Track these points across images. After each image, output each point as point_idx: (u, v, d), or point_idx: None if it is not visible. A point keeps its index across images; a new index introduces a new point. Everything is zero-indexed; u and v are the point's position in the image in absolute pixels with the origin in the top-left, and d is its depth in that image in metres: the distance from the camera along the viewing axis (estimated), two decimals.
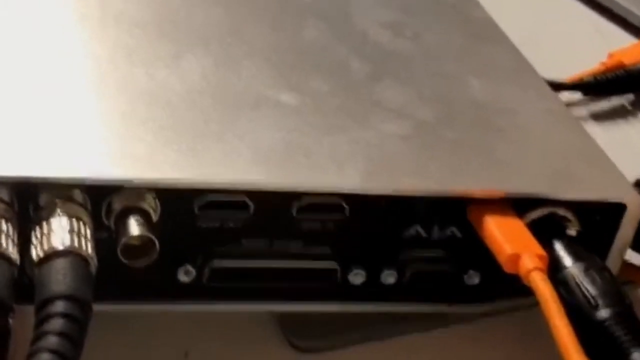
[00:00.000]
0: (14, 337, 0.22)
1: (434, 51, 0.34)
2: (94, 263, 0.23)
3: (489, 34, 0.37)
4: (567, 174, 0.29)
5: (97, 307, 0.23)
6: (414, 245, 0.28)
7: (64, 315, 0.21)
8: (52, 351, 0.20)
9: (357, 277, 0.28)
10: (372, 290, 0.29)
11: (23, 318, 0.23)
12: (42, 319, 0.21)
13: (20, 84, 0.27)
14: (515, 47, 0.36)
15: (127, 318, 0.28)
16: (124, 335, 0.28)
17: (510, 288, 0.28)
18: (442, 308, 0.29)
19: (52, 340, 0.21)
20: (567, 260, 0.27)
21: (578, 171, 0.30)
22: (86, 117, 0.27)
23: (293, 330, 0.30)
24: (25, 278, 0.24)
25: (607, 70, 0.41)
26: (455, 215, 0.28)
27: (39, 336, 0.21)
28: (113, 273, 0.25)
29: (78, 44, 0.30)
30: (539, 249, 0.27)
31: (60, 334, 0.21)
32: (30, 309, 0.23)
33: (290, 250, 0.27)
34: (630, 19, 0.45)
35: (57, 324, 0.21)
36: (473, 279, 0.29)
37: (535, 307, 0.26)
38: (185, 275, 0.27)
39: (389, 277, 0.29)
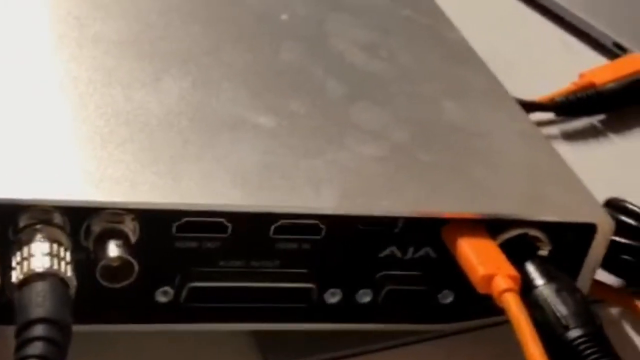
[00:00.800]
0: None
1: (409, 72, 0.35)
2: (73, 286, 0.24)
3: (463, 55, 0.37)
4: (539, 195, 0.30)
5: (75, 328, 0.23)
6: (389, 265, 0.29)
7: (44, 339, 0.21)
8: None
9: (333, 297, 0.29)
10: (348, 309, 0.29)
11: (3, 338, 0.23)
12: (22, 342, 0.22)
13: None
14: (488, 68, 0.37)
15: (104, 338, 0.28)
16: (103, 354, 0.28)
17: (483, 306, 0.28)
18: (417, 326, 0.30)
19: None
20: (538, 280, 0.28)
21: (549, 192, 0.30)
22: (65, 139, 0.27)
23: (269, 347, 0.30)
24: (5, 299, 0.24)
25: (578, 90, 0.42)
26: (429, 235, 0.29)
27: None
28: (91, 294, 0.25)
29: (56, 65, 0.30)
30: (511, 270, 0.27)
31: (40, 357, 0.21)
32: (8, 330, 0.23)
33: (267, 270, 0.28)
34: (602, 40, 0.46)
35: (37, 347, 0.21)
36: (447, 298, 0.30)
37: (506, 323, 0.27)
38: (163, 295, 0.27)
39: (364, 297, 0.29)
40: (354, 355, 0.30)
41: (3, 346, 0.24)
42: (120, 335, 0.29)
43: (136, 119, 0.28)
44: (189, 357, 0.29)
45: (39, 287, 0.23)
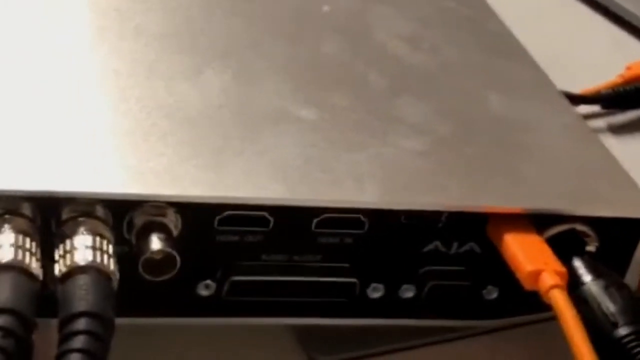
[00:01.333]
0: (36, 350, 0.22)
1: (452, 65, 0.34)
2: (115, 279, 0.23)
3: (506, 46, 0.37)
4: (586, 190, 0.29)
5: (118, 322, 0.23)
6: (433, 260, 0.28)
7: (87, 333, 0.21)
8: None
9: (375, 292, 0.28)
10: (391, 305, 0.29)
11: (44, 331, 0.23)
12: (65, 336, 0.22)
13: (42, 100, 0.28)
14: (533, 60, 0.36)
15: (146, 331, 0.28)
16: (143, 347, 0.28)
17: (528, 302, 0.28)
18: (460, 322, 0.30)
19: (75, 358, 0.21)
20: (586, 276, 0.27)
21: (597, 187, 0.30)
22: (106, 132, 0.27)
23: (311, 343, 0.30)
24: (48, 291, 0.24)
25: (625, 83, 0.41)
26: (474, 230, 0.28)
27: (62, 353, 0.21)
28: (133, 287, 0.25)
29: (97, 58, 0.30)
30: (558, 266, 0.27)
31: (83, 351, 0.21)
32: (50, 322, 0.23)
33: (309, 264, 0.28)
34: None
35: (80, 341, 0.21)
36: (492, 294, 0.29)
37: (552, 320, 0.26)
38: (205, 289, 0.27)
39: (407, 292, 0.29)
40: (396, 351, 0.30)
41: (47, 339, 0.24)
42: (162, 329, 0.28)
43: (177, 112, 0.28)
44: (232, 352, 0.29)
45: (82, 280, 0.23)
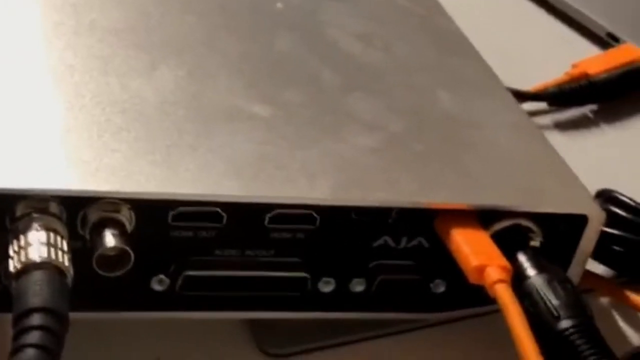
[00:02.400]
0: None
1: (403, 63, 0.35)
2: (70, 275, 0.24)
3: (457, 45, 0.37)
4: (531, 186, 0.30)
5: (72, 316, 0.23)
6: (382, 255, 0.29)
7: (41, 328, 0.22)
8: None
9: (326, 286, 0.29)
10: (342, 298, 0.29)
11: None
12: (20, 331, 0.22)
13: None
14: (482, 58, 0.37)
15: (99, 325, 0.29)
16: (97, 341, 0.29)
17: (475, 296, 0.29)
18: (409, 315, 0.30)
19: (30, 353, 0.21)
20: (530, 271, 0.28)
21: (541, 183, 0.30)
22: (61, 127, 0.27)
23: (263, 336, 0.30)
24: (1, 286, 0.24)
25: (571, 80, 0.42)
26: (422, 226, 0.29)
27: (17, 349, 0.21)
28: (87, 282, 0.25)
29: (53, 53, 0.30)
30: (503, 261, 0.28)
31: (38, 346, 0.21)
32: (5, 317, 0.23)
33: (262, 259, 0.28)
34: (595, 30, 0.46)
35: (34, 336, 0.21)
36: (439, 287, 0.30)
37: (498, 312, 0.27)
38: (159, 284, 0.27)
39: (357, 286, 0.29)
40: (346, 343, 0.31)
41: (1, 333, 0.24)
42: (116, 324, 0.29)
43: (132, 108, 0.28)
44: (186, 346, 0.30)
45: (37, 276, 0.23)
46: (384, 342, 0.31)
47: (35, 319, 0.22)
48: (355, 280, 0.29)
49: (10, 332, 0.22)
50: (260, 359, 0.30)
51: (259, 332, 0.30)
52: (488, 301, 0.28)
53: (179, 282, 0.27)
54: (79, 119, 0.27)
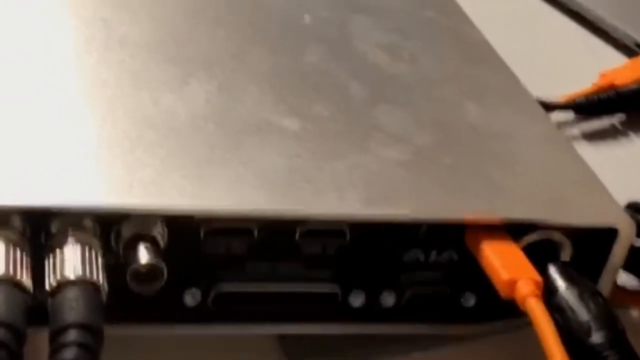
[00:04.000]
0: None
1: (430, 74, 0.35)
2: (104, 290, 0.24)
3: (484, 55, 0.38)
4: (561, 198, 0.30)
5: (105, 330, 0.23)
6: (412, 268, 0.29)
7: (78, 344, 0.22)
8: None
9: (357, 299, 0.29)
10: (372, 312, 0.29)
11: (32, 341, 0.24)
12: (56, 348, 0.22)
13: (28, 111, 0.28)
14: (509, 68, 0.37)
15: (128, 339, 0.29)
16: (124, 354, 0.29)
17: (505, 309, 0.29)
18: (440, 329, 0.30)
19: None
20: (561, 284, 0.28)
21: (571, 195, 0.30)
22: (94, 143, 0.27)
23: (294, 350, 0.31)
24: (36, 302, 0.25)
25: (599, 90, 0.42)
26: (453, 239, 0.29)
27: None
28: (121, 296, 0.26)
29: (85, 68, 0.30)
30: (534, 274, 0.28)
31: None
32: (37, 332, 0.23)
33: (293, 274, 0.28)
34: (623, 40, 0.46)
35: (71, 352, 0.22)
36: (469, 300, 0.30)
37: (529, 326, 0.27)
38: (191, 298, 0.28)
39: (388, 299, 0.29)
40: (376, 357, 0.31)
41: (35, 348, 0.24)
42: (146, 339, 0.29)
43: (164, 123, 0.29)
44: (213, 356, 0.30)
45: (72, 292, 0.23)
46: (414, 357, 0.31)
47: (72, 335, 0.22)
48: (385, 293, 0.29)
49: (46, 347, 0.23)
50: None
51: (289, 344, 0.31)
52: (518, 314, 0.28)
53: (211, 296, 0.28)
54: (112, 135, 0.28)
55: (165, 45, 0.32)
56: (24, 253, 0.24)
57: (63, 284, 0.23)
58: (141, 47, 0.32)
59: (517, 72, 0.37)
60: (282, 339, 0.31)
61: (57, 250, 0.24)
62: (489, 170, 0.30)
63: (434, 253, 0.29)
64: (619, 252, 0.30)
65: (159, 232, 0.26)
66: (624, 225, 0.29)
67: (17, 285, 0.23)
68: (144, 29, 0.33)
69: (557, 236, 0.29)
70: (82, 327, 0.22)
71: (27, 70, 0.30)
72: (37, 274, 0.24)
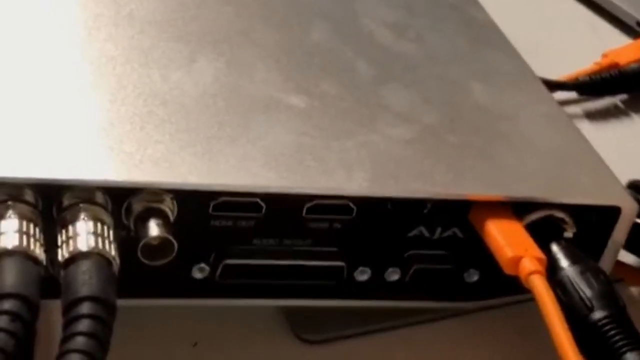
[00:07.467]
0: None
1: (437, 54, 0.35)
2: (116, 264, 0.24)
3: (489, 35, 0.38)
4: (564, 177, 0.31)
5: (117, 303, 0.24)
6: (417, 245, 0.30)
7: (91, 317, 0.22)
8: (81, 352, 0.22)
9: (362, 275, 0.29)
10: (377, 287, 0.30)
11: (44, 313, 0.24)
12: (70, 320, 0.22)
13: (39, 88, 0.28)
14: (514, 48, 0.37)
15: (137, 311, 0.29)
16: (137, 327, 0.29)
17: (507, 285, 0.29)
18: (443, 304, 0.31)
19: (80, 341, 0.22)
20: (563, 262, 0.29)
21: (574, 174, 0.31)
22: (105, 119, 0.28)
23: (299, 322, 0.31)
24: (49, 274, 0.25)
25: (602, 69, 0.42)
26: (457, 216, 0.29)
27: (68, 337, 0.22)
28: (131, 270, 0.26)
29: (94, 45, 0.31)
30: (538, 252, 0.28)
31: (88, 334, 0.22)
32: (50, 304, 0.24)
33: (299, 249, 0.29)
34: (626, 19, 0.46)
35: (84, 324, 0.22)
36: (472, 276, 0.31)
37: (530, 301, 0.27)
38: (199, 272, 0.28)
39: (392, 275, 0.30)
40: (381, 330, 0.31)
41: (48, 319, 0.25)
42: (156, 310, 0.29)
43: (173, 99, 0.29)
44: (222, 331, 0.30)
45: (85, 265, 0.24)
46: (418, 330, 0.32)
47: (85, 308, 0.22)
48: (391, 269, 0.30)
49: (58, 318, 0.23)
50: (295, 344, 0.31)
51: (294, 318, 0.31)
52: (520, 290, 0.28)
53: (219, 270, 0.28)
54: (122, 111, 0.28)
55: (173, 22, 0.33)
56: (37, 226, 0.24)
57: (76, 257, 0.24)
58: (149, 24, 0.32)
59: (521, 52, 0.37)
60: (288, 311, 0.31)
61: (70, 224, 0.25)
62: (493, 148, 0.31)
63: (438, 230, 0.30)
64: (621, 230, 0.30)
65: (169, 207, 0.26)
66: (627, 204, 0.30)
67: (30, 257, 0.23)
68: (153, 6, 0.33)
69: (560, 215, 0.30)
70: (95, 300, 0.23)
71: (37, 48, 0.30)
72: (50, 247, 0.25)
